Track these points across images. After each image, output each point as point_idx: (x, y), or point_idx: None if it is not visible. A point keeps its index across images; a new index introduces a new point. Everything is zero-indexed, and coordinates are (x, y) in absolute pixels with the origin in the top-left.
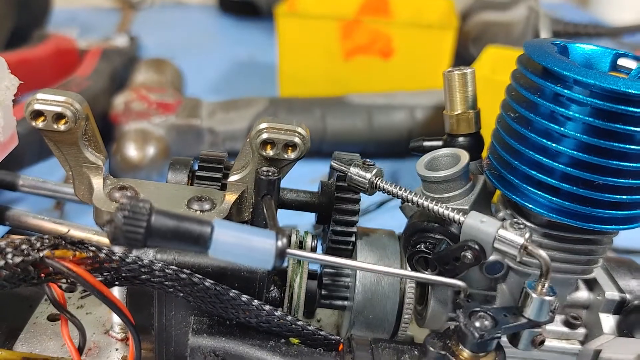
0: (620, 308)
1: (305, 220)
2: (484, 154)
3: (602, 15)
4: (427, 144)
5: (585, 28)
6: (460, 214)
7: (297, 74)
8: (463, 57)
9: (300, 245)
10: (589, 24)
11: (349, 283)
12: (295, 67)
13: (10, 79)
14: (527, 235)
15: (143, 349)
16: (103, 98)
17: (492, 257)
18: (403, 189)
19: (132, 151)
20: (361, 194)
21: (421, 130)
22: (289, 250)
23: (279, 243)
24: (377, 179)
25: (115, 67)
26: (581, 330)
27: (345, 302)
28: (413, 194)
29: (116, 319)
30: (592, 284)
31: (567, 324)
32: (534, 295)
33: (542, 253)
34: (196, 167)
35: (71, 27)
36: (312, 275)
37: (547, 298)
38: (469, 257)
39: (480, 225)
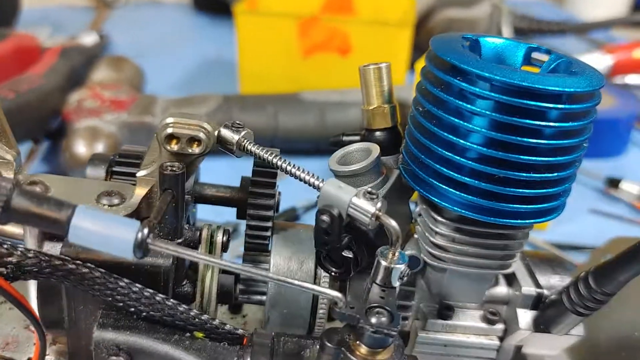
0: (537, 303)
1: None
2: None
3: (578, 13)
4: (346, 138)
5: (549, 25)
6: (320, 180)
7: (256, 71)
8: None
9: (211, 242)
10: (553, 21)
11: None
12: (254, 65)
13: None
14: (378, 204)
15: (60, 344)
16: (57, 96)
17: (409, 252)
18: (272, 154)
19: (80, 148)
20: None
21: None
22: (151, 242)
23: (139, 234)
24: (245, 141)
25: (73, 65)
26: (500, 326)
27: (263, 297)
28: (278, 157)
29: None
30: (511, 280)
31: (485, 319)
32: (384, 263)
33: (392, 222)
34: None
35: (43, 26)
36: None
37: (397, 266)
38: (326, 220)
39: (337, 191)
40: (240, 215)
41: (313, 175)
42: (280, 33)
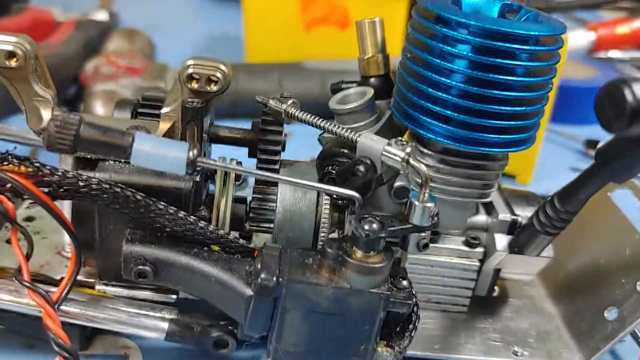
0: (513, 229)
1: None
2: None
3: None
4: (344, 85)
5: (536, 3)
6: (356, 134)
7: (261, 44)
8: None
9: (225, 173)
10: None
11: (274, 207)
12: (259, 38)
13: None
14: (408, 149)
15: (89, 266)
16: (75, 62)
17: (399, 184)
18: (314, 117)
19: (98, 109)
20: None
21: None
22: (199, 159)
23: (190, 153)
24: (292, 109)
25: (89, 36)
26: (479, 250)
27: (271, 225)
28: (320, 120)
29: (67, 239)
30: (490, 209)
31: (467, 243)
32: (416, 203)
33: (422, 166)
34: None
35: (53, 5)
36: (242, 200)
37: (428, 205)
38: (362, 170)
39: (370, 142)
40: (251, 154)
41: (350, 131)
42: (284, 8)
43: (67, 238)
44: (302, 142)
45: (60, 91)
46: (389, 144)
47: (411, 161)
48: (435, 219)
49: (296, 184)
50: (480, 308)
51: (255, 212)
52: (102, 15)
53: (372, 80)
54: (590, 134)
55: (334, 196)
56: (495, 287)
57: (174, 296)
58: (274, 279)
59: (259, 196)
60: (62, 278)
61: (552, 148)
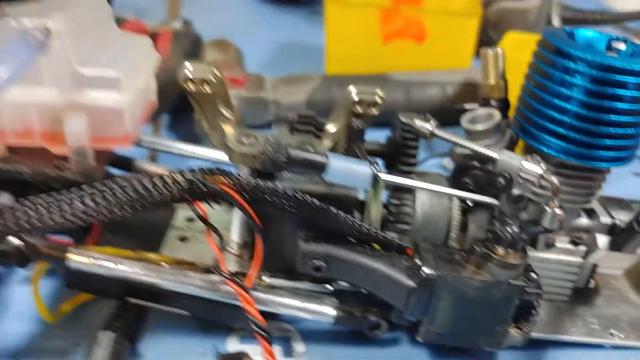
0: (611, 230)
1: None
2: (510, 114)
3: (611, 3)
4: (467, 106)
5: (593, 15)
6: (496, 153)
7: (342, 55)
8: (484, 41)
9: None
10: (595, 11)
11: (409, 211)
12: (340, 49)
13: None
14: (544, 166)
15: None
16: None
17: (516, 192)
18: (455, 136)
19: None
20: None
21: (451, 103)
22: (381, 175)
23: (374, 169)
24: (435, 128)
25: (186, 48)
26: (582, 248)
27: (406, 227)
28: (463, 139)
29: (232, 237)
30: (591, 213)
31: (572, 243)
32: (548, 209)
33: (554, 179)
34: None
35: (126, 13)
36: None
37: (557, 211)
38: (502, 182)
39: (509, 159)
40: (386, 165)
41: (489, 148)
42: (364, 21)
43: (233, 236)
44: None
45: (174, 102)
46: (525, 160)
47: (545, 175)
48: (563, 223)
49: (447, 194)
50: (578, 298)
51: (394, 216)
52: (176, 25)
53: (494, 102)
54: None
55: (468, 202)
56: (591, 280)
57: (330, 287)
58: (435, 272)
59: (397, 202)
60: (237, 272)
61: None
